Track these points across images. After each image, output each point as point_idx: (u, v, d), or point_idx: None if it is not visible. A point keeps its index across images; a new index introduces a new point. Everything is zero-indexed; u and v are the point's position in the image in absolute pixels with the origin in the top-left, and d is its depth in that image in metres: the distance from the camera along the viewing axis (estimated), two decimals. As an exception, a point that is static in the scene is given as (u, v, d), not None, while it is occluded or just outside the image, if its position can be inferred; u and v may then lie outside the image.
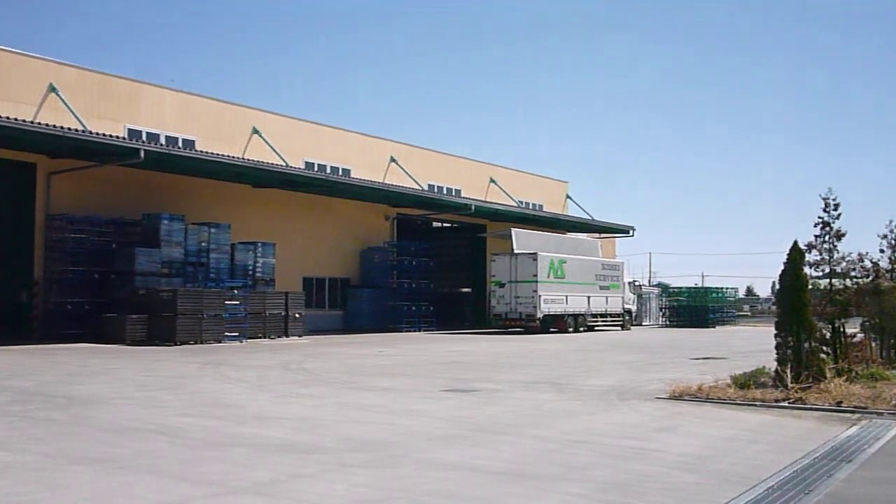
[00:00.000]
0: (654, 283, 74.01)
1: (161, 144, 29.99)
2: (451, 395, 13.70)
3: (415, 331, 38.42)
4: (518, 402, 13.04)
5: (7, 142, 25.97)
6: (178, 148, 30.79)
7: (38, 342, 25.99)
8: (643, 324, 54.02)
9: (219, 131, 35.08)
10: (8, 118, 24.33)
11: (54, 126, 25.60)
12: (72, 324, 27.17)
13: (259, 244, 31.93)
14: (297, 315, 31.27)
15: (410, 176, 43.11)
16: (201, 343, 26.31)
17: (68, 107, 29.19)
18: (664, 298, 57.34)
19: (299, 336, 31.04)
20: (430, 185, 45.39)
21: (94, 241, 28.09)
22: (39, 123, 25.81)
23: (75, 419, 10.72)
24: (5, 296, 27.62)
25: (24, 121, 25.22)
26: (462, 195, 46.06)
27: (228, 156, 31.05)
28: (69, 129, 26.03)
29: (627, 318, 46.46)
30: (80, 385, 14.61)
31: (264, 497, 6.81)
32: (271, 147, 36.23)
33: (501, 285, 39.25)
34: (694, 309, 53.08)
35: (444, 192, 46.03)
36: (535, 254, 38.75)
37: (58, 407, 11.83)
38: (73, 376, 16.18)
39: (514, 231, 40.25)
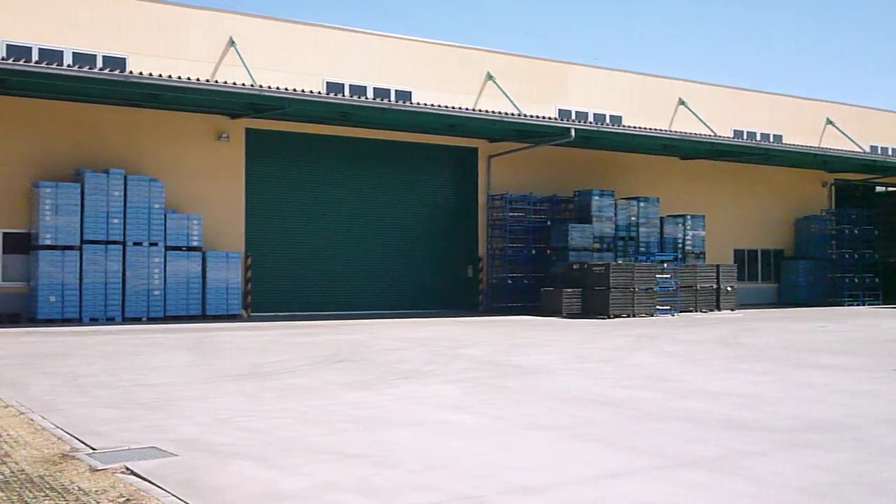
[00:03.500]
0: None
1: (590, 122, 30.80)
2: (908, 376, 12.56)
3: (858, 304, 35.74)
4: None
5: (453, 129, 28.33)
6: (607, 124, 31.43)
7: (483, 314, 28.11)
8: None
9: (644, 105, 35.20)
10: (454, 107, 26.54)
11: (494, 112, 27.46)
12: (512, 297, 29.06)
13: (688, 217, 31.65)
14: (729, 288, 30.55)
15: (850, 138, 40.01)
16: (633, 316, 26.67)
17: (504, 92, 31.05)
18: None
19: (731, 310, 30.28)
20: (872, 147, 41.80)
21: (530, 218, 29.74)
22: (480, 110, 27.82)
23: (524, 387, 11.41)
24: (455, 271, 30.21)
25: (467, 109, 27.40)
26: (911, 156, 41.87)
27: (656, 129, 31.12)
28: (507, 113, 27.77)
29: None
30: (525, 355, 15.53)
31: (715, 473, 6.74)
32: (698, 117, 35.61)
33: (962, 255, 35.16)
34: None
35: (891, 153, 42.13)
36: None
37: (507, 374, 12.67)
38: (517, 346, 17.23)
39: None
